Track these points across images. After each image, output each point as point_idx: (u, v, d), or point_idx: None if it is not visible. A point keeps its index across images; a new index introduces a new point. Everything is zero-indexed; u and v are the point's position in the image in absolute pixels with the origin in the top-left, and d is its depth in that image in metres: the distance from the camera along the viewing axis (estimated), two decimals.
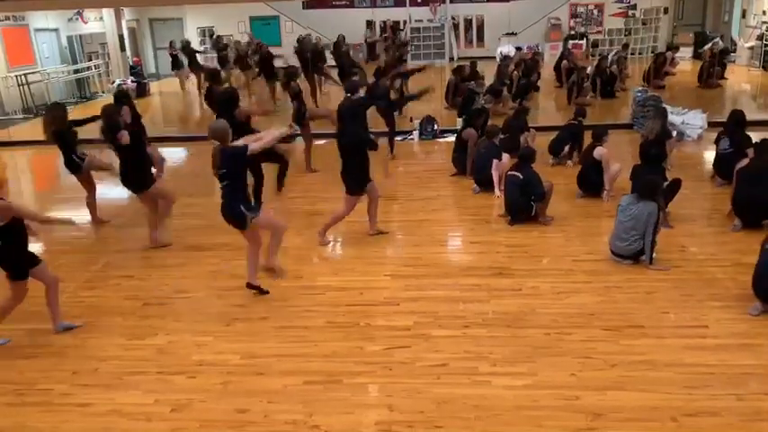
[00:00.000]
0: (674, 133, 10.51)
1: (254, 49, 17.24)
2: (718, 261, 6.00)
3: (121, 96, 8.41)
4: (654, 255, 5.86)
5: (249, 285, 5.64)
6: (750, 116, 12.15)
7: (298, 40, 16.95)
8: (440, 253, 6.65)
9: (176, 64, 18.17)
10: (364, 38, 21.42)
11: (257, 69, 16.08)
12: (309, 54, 15.28)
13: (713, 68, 15.45)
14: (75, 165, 7.54)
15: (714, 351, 4.55)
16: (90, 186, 7.72)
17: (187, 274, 6.25)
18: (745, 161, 6.86)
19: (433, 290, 5.68)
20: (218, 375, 4.52)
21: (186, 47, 17.87)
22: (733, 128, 8.08)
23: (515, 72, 14.49)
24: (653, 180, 6.10)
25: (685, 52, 20.10)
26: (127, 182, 6.73)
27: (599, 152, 7.68)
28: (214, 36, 21.66)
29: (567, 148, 9.33)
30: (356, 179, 6.53)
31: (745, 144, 7.60)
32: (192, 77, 18.21)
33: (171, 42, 18.36)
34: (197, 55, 17.98)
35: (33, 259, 5.00)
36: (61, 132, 7.42)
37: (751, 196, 6.57)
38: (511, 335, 4.89)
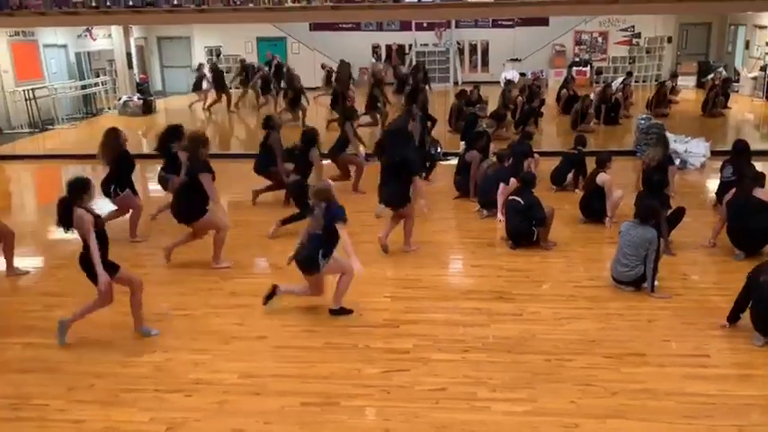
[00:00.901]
0: (677, 161, 10.56)
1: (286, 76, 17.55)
2: (720, 290, 5.96)
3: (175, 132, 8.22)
4: (656, 283, 5.84)
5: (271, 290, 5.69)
6: (753, 146, 12.23)
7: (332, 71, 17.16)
8: (441, 275, 6.63)
9: (198, 85, 18.44)
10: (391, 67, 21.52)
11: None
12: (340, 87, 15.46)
13: (718, 98, 15.52)
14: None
15: (715, 381, 4.52)
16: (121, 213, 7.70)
17: (186, 291, 6.23)
18: (731, 193, 6.90)
19: (434, 313, 5.66)
20: (214, 394, 4.48)
21: (215, 68, 18.45)
22: (735, 157, 8.11)
23: (520, 98, 14.57)
24: (652, 204, 6.12)
25: (689, 81, 20.23)
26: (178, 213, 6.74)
27: (602, 178, 7.71)
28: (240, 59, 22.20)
29: (569, 177, 9.35)
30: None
31: (748, 173, 7.65)
32: (210, 97, 18.39)
33: (200, 65, 18.97)
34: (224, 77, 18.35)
35: (113, 267, 5.08)
36: (121, 155, 7.53)
37: (742, 227, 6.62)
38: (511, 360, 4.85)
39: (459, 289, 6.30)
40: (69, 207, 4.95)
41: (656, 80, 20.14)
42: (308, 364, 4.86)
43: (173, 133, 8.04)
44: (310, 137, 7.96)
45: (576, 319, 5.49)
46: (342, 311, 5.62)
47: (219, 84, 17.94)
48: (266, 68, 18.39)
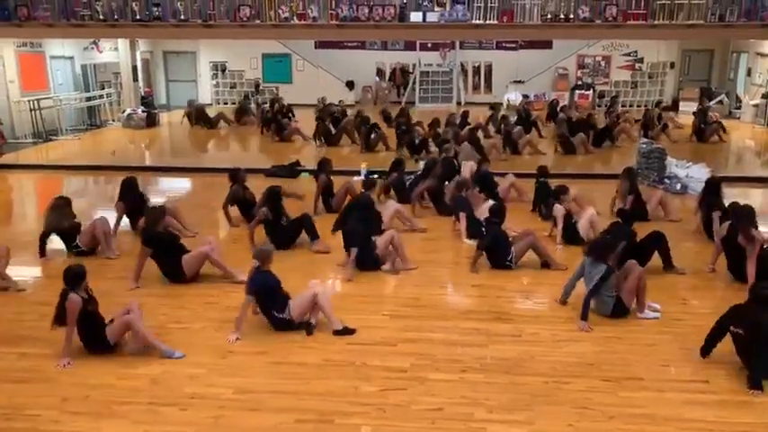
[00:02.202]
0: (678, 186, 10.59)
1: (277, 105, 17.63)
2: (720, 315, 5.92)
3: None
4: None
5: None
6: (753, 173, 12.29)
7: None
8: (439, 295, 6.61)
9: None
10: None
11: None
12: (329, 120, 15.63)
13: (705, 125, 15.52)
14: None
15: (714, 407, 4.49)
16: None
17: (185, 304, 6.21)
18: (724, 228, 6.88)
19: (432, 332, 5.63)
20: (209, 409, 4.45)
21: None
22: (707, 195, 8.19)
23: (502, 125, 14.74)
24: (602, 242, 6.15)
25: (691, 107, 20.33)
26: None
27: (556, 210, 7.94)
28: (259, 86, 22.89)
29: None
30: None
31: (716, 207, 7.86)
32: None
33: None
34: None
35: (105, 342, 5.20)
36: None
37: (741, 265, 6.58)
38: (509, 381, 4.82)
39: (458, 309, 6.28)
40: (66, 294, 5.08)
41: (656, 105, 20.23)
42: (304, 380, 4.83)
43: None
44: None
45: (575, 341, 5.46)
46: (345, 331, 5.56)
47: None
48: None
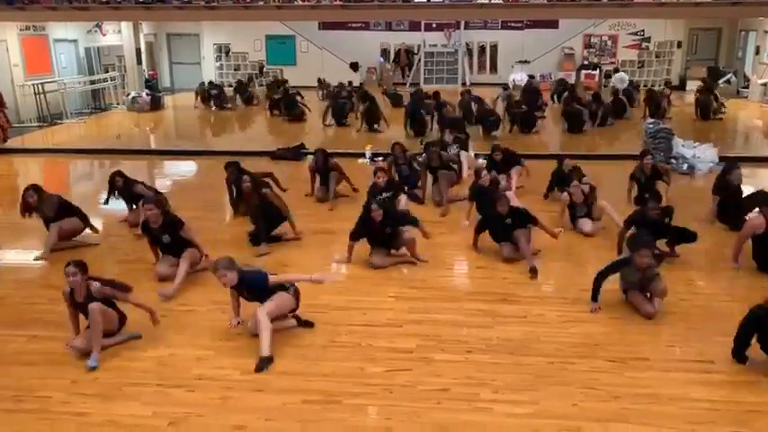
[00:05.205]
0: (685, 166, 10.54)
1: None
2: (726, 296, 5.94)
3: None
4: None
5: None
6: (761, 152, 12.22)
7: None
8: (445, 276, 6.62)
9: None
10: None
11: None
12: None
13: (711, 103, 15.45)
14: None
15: (720, 387, 4.50)
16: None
17: (191, 287, 6.24)
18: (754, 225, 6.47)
19: (437, 313, 5.65)
20: (217, 390, 4.49)
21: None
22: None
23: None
24: (643, 240, 6.08)
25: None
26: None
27: (563, 196, 7.98)
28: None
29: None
30: None
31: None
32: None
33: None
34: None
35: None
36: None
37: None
38: (514, 362, 4.84)
39: (464, 290, 6.29)
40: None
41: (665, 84, 20.08)
42: (310, 361, 4.86)
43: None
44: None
45: (581, 322, 5.47)
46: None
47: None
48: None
